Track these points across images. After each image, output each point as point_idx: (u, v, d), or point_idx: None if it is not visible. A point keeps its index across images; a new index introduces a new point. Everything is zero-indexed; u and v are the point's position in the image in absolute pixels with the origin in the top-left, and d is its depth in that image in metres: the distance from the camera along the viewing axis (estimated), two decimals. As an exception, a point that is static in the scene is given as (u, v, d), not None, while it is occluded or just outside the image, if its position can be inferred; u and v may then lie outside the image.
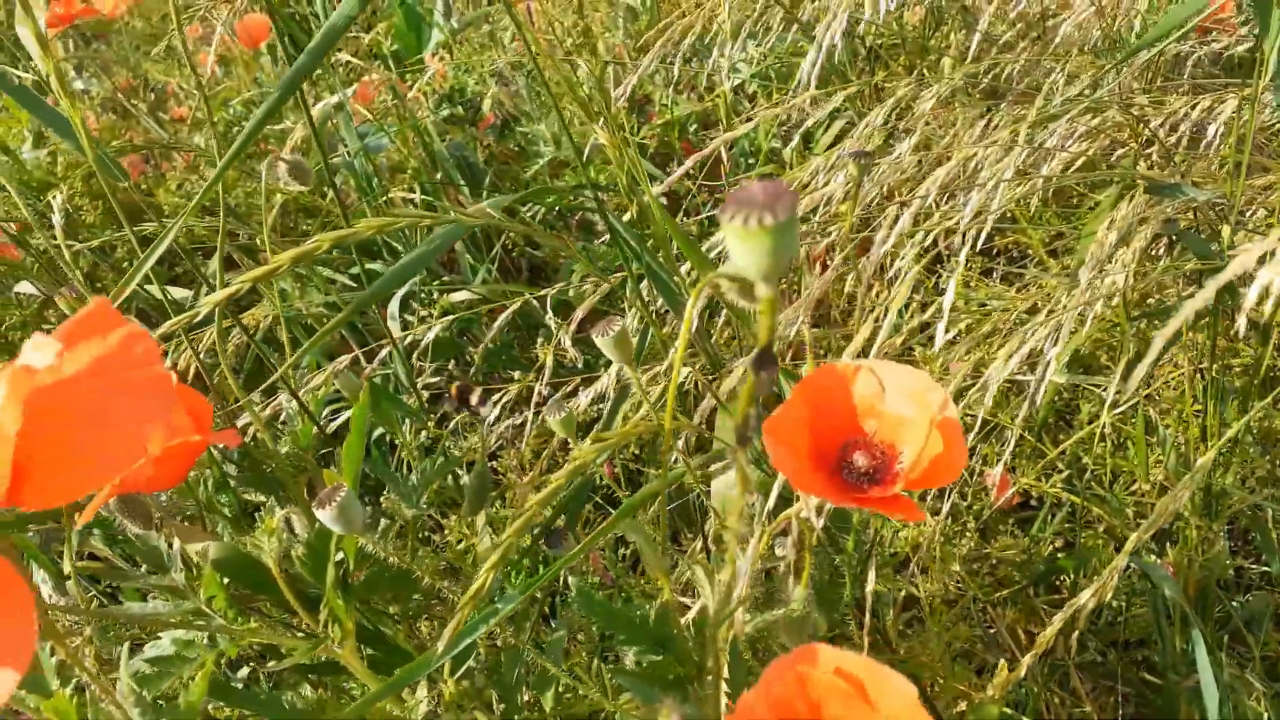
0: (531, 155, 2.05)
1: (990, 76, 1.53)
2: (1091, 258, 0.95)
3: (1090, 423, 1.48)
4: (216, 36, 1.29)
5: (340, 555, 0.70)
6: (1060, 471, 1.45)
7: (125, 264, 1.72)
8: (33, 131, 2.12)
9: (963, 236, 0.87)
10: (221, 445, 0.73)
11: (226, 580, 0.68)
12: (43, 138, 2.09)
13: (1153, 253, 1.34)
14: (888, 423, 0.61)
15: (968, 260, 1.49)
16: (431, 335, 1.06)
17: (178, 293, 1.30)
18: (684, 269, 0.92)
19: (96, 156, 0.62)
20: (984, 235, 0.90)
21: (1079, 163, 1.06)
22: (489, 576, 0.50)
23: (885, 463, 0.60)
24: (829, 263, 0.90)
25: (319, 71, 2.47)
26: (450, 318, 1.09)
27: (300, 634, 0.75)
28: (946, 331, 1.14)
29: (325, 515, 0.55)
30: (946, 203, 1.17)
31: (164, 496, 0.75)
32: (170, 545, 0.70)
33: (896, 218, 0.85)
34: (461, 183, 1.96)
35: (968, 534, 1.34)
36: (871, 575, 0.83)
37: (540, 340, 1.63)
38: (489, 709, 0.67)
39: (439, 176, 1.71)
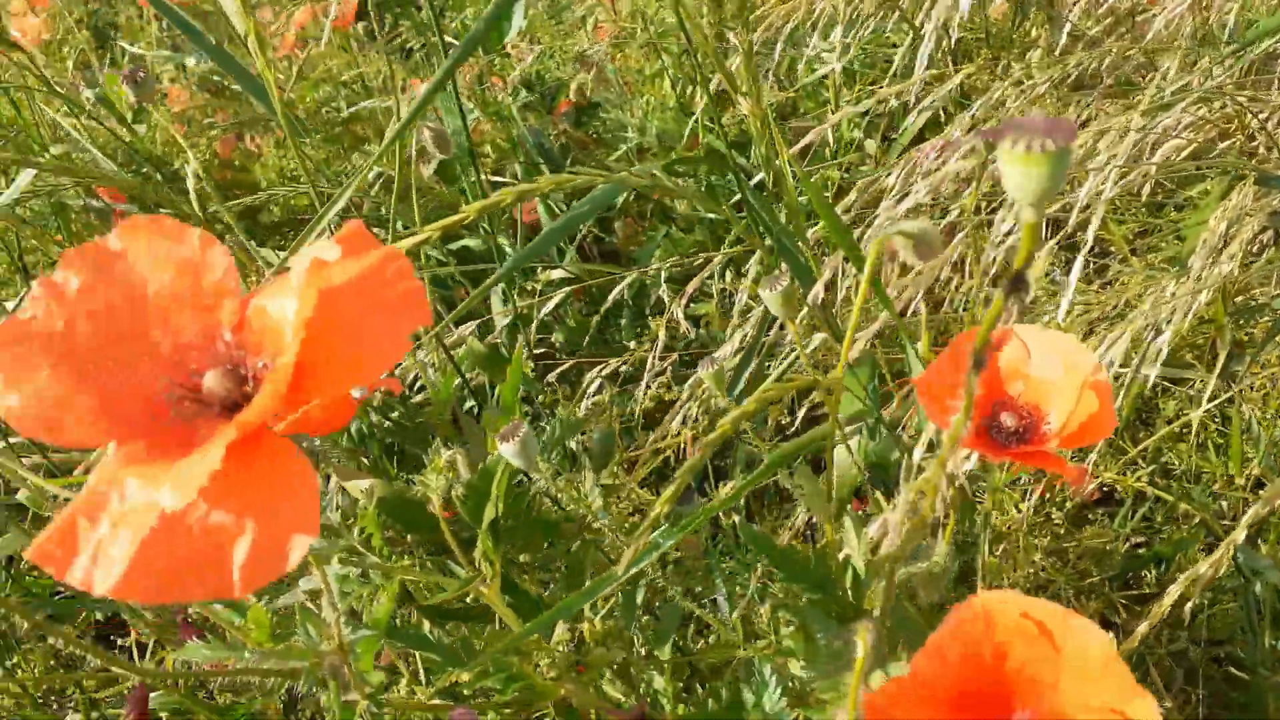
0: (611, 141, 2.08)
1: (1079, 71, 1.53)
2: (1203, 245, 0.96)
3: (1173, 420, 1.48)
4: (329, 21, 1.33)
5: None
6: (1144, 467, 1.45)
7: (223, 236, 1.78)
8: (131, 108, 2.20)
9: (1081, 221, 0.88)
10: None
11: (382, 519, 0.72)
12: (141, 113, 2.17)
13: (1251, 249, 1.34)
14: (1033, 386, 0.63)
15: (1049, 254, 1.49)
16: (550, 307, 1.10)
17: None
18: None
19: (285, 116, 0.66)
20: (1097, 220, 0.91)
21: (1186, 152, 1.06)
22: (664, 508, 0.54)
23: (1033, 423, 0.62)
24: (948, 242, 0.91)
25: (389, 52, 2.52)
26: (566, 289, 1.13)
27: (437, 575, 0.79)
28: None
29: (508, 448, 0.58)
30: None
31: (316, 440, 0.79)
32: (326, 485, 0.74)
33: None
34: (542, 164, 2.00)
35: (1053, 524, 1.35)
36: (985, 548, 0.84)
37: (624, 321, 1.66)
38: (629, 647, 0.71)
39: (521, 159, 1.75)
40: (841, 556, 0.65)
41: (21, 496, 0.73)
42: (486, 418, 0.71)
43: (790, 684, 0.67)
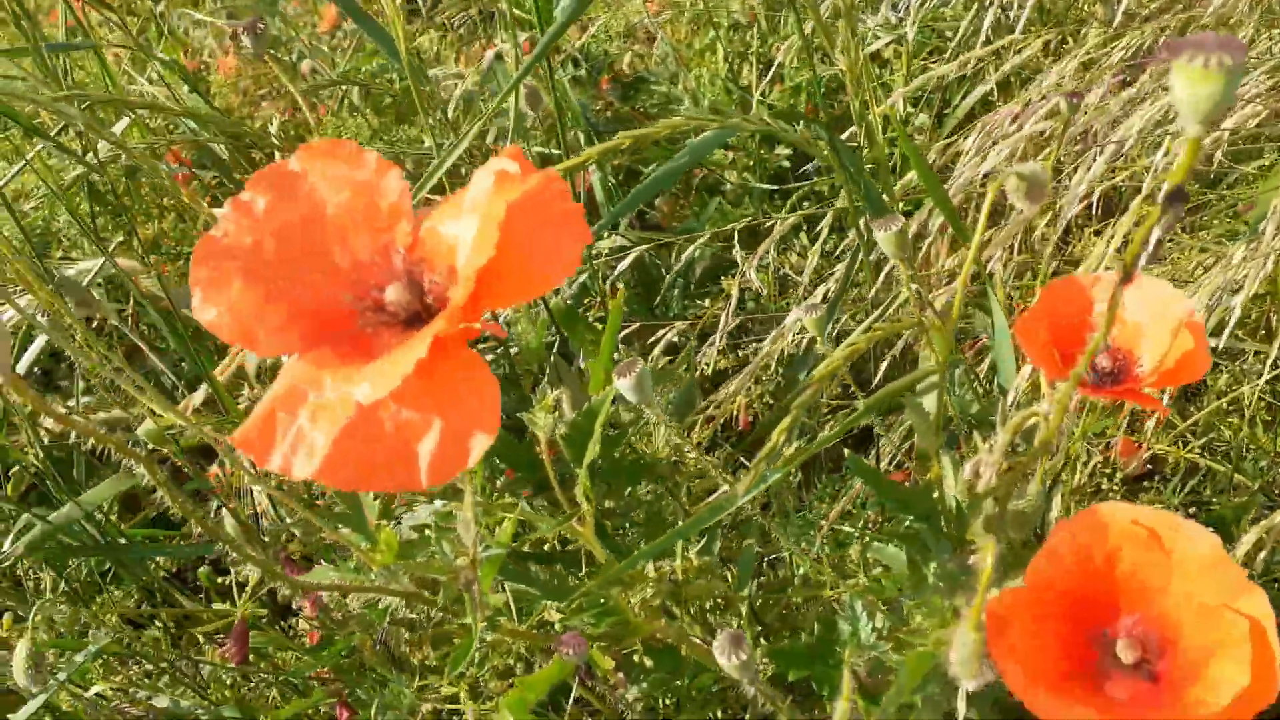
0: (657, 115, 2.10)
1: (1135, 47, 1.53)
2: (1275, 211, 0.97)
3: (1223, 395, 1.49)
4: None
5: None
6: (1195, 438, 1.47)
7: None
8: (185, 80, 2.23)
9: (1154, 184, 0.90)
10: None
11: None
12: (200, 81, 2.21)
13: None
14: (1127, 330, 0.65)
15: (1096, 231, 1.50)
16: (624, 264, 1.12)
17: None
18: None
19: (411, 66, 0.68)
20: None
21: (1256, 119, 1.07)
22: (780, 438, 0.56)
23: (1125, 365, 0.64)
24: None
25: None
26: (634, 251, 1.16)
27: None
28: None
29: (625, 383, 0.61)
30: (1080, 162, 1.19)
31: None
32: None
33: (1088, 166, 0.88)
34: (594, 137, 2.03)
35: (1104, 495, 1.37)
36: (1057, 502, 0.87)
37: (676, 291, 1.69)
38: (724, 580, 0.73)
39: (583, 128, 1.78)
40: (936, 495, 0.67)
41: (142, 432, 0.76)
42: (590, 364, 0.74)
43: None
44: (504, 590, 0.85)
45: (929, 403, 0.86)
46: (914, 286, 0.61)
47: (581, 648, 0.64)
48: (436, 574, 0.60)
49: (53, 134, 1.42)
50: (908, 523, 0.60)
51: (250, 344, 0.42)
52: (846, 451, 0.64)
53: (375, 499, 0.65)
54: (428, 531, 0.69)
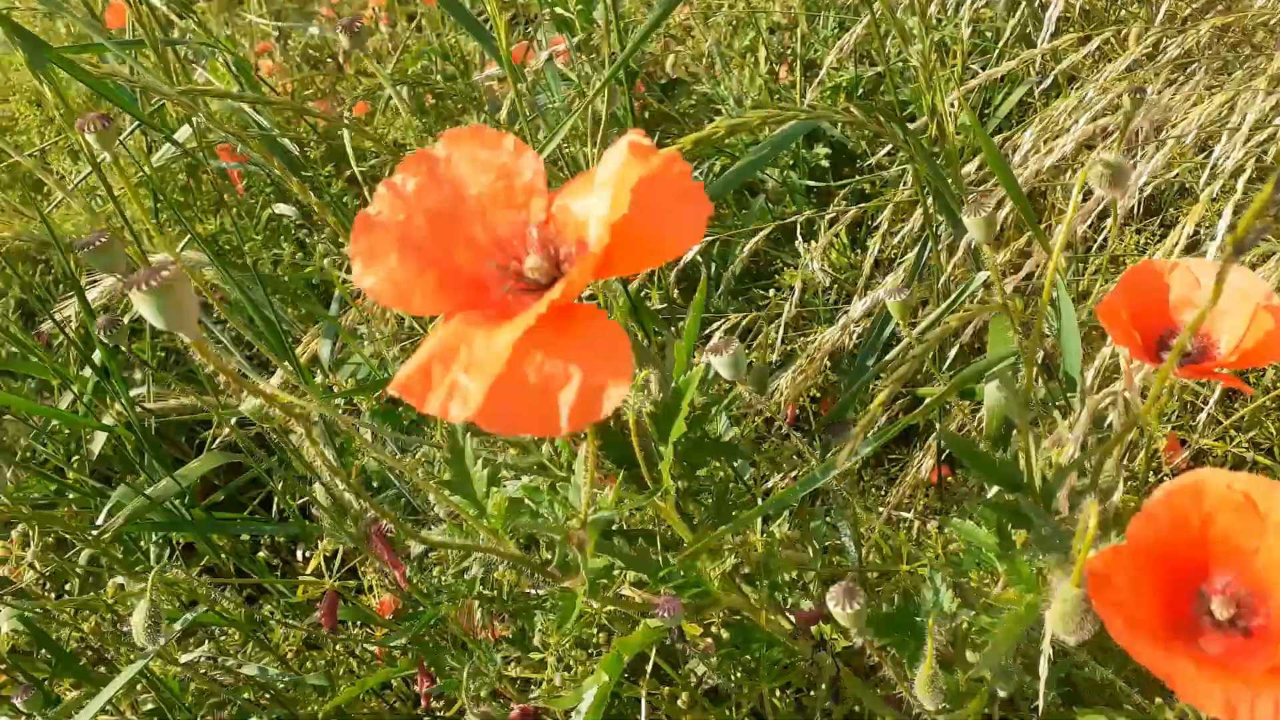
0: (695, 115, 2.14)
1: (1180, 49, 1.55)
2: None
3: (1270, 390, 1.50)
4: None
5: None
6: (1241, 434, 1.48)
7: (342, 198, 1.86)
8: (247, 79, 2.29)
9: (1211, 175, 0.92)
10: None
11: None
12: (250, 80, 2.26)
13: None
14: (1206, 313, 0.67)
15: (1138, 230, 1.52)
16: (689, 255, 1.15)
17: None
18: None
19: (511, 67, 0.72)
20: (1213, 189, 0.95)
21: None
22: (878, 411, 0.59)
23: (1204, 347, 0.67)
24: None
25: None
26: (703, 240, 1.19)
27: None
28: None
29: (721, 361, 0.64)
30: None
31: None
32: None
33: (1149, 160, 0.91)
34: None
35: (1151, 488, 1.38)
36: (1120, 485, 0.89)
37: (721, 286, 1.72)
38: (804, 550, 0.76)
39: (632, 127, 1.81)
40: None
41: (245, 409, 0.80)
42: (675, 345, 0.77)
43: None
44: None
45: (995, 390, 0.89)
46: (996, 270, 0.63)
47: (677, 609, 0.67)
48: (551, 533, 0.64)
49: (131, 130, 1.47)
50: (992, 493, 0.62)
51: (406, 306, 0.46)
52: (938, 425, 0.66)
53: (483, 469, 0.68)
54: (528, 502, 0.72)
